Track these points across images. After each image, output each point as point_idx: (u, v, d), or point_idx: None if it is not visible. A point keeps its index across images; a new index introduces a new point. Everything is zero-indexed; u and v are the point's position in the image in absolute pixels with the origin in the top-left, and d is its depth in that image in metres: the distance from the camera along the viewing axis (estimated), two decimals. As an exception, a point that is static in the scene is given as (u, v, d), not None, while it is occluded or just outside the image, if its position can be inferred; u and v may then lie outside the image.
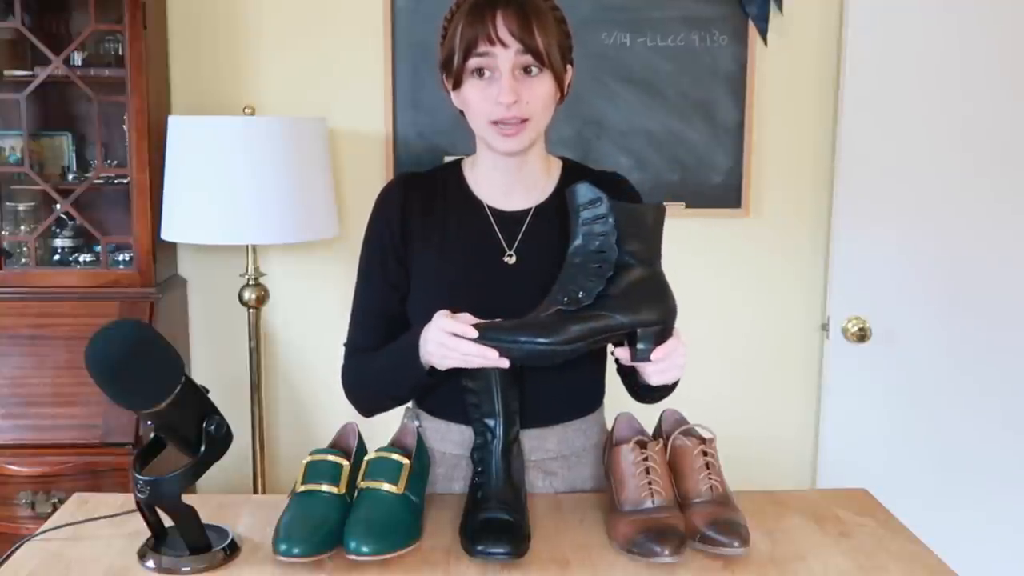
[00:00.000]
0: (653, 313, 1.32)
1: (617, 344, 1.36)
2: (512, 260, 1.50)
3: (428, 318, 1.43)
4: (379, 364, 1.51)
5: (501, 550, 1.27)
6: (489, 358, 1.30)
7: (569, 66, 1.48)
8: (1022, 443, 2.66)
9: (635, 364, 1.36)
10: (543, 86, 1.41)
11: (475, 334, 1.30)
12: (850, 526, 1.44)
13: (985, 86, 2.53)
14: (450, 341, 1.32)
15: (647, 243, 1.35)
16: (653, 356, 1.33)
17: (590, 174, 1.59)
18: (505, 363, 1.30)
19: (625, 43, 2.59)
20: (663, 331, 1.33)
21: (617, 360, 1.41)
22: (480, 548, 1.28)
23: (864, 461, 2.65)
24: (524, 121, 1.41)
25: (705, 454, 1.44)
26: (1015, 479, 2.67)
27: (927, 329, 2.61)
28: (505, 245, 1.50)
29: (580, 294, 1.30)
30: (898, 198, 2.57)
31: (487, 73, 1.40)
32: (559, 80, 1.43)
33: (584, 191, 1.36)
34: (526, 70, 1.40)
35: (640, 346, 1.32)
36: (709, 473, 1.41)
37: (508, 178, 1.52)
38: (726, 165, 2.65)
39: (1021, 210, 2.58)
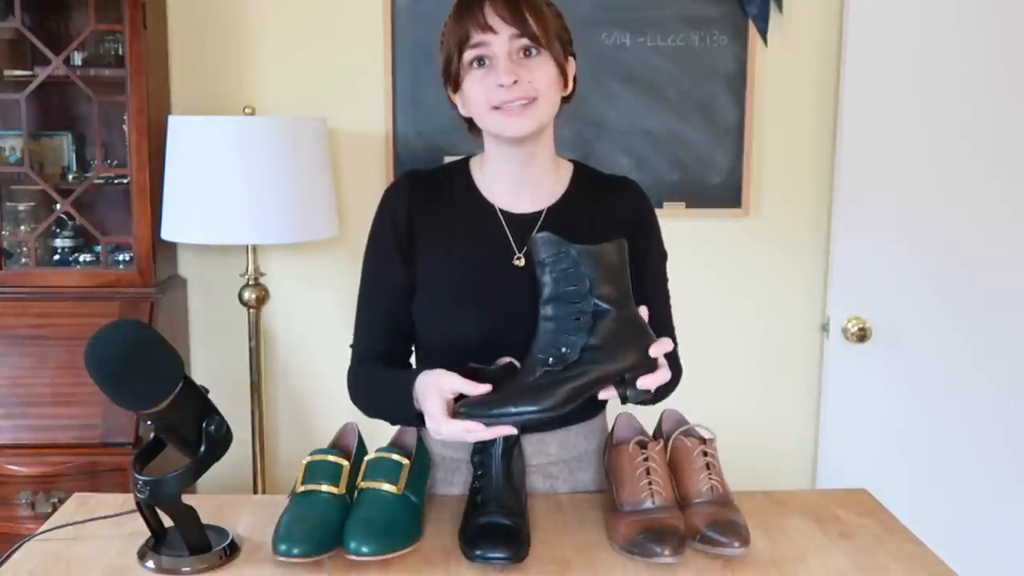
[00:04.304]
0: (638, 356, 1.29)
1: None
2: (522, 263, 1.48)
3: (435, 321, 1.42)
4: (378, 391, 1.49)
5: (500, 555, 1.27)
6: (501, 432, 1.26)
7: (571, 58, 1.47)
8: (1022, 443, 2.66)
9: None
10: (544, 66, 1.39)
11: (486, 389, 1.26)
12: (850, 526, 1.44)
13: (986, 86, 2.53)
14: (456, 429, 1.27)
15: (616, 283, 1.31)
16: (640, 384, 1.28)
17: (600, 178, 1.58)
18: (512, 430, 1.26)
19: (625, 43, 2.59)
20: (646, 370, 1.30)
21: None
22: (479, 553, 1.28)
23: (864, 461, 2.65)
24: (532, 101, 1.39)
25: (705, 454, 1.44)
26: (1015, 479, 2.67)
27: (928, 329, 2.61)
28: (515, 247, 1.50)
29: (564, 350, 1.26)
30: (898, 198, 2.57)
31: (486, 62, 1.39)
32: (560, 65, 1.42)
33: (546, 242, 1.30)
34: (525, 52, 1.38)
35: (629, 393, 1.28)
36: (709, 473, 1.42)
37: (517, 177, 1.50)
38: (726, 165, 2.65)
39: (1022, 210, 2.58)
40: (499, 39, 1.37)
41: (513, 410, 1.23)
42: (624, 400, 1.29)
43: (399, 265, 1.51)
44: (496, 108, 1.40)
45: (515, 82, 1.37)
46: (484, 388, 1.27)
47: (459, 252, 1.49)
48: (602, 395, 1.30)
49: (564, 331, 1.28)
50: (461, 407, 1.26)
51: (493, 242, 1.49)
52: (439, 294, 1.49)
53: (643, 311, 1.35)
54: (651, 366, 1.29)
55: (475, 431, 1.25)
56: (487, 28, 1.36)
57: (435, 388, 1.30)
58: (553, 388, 1.24)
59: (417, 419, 1.36)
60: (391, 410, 1.47)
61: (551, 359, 1.26)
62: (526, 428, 1.46)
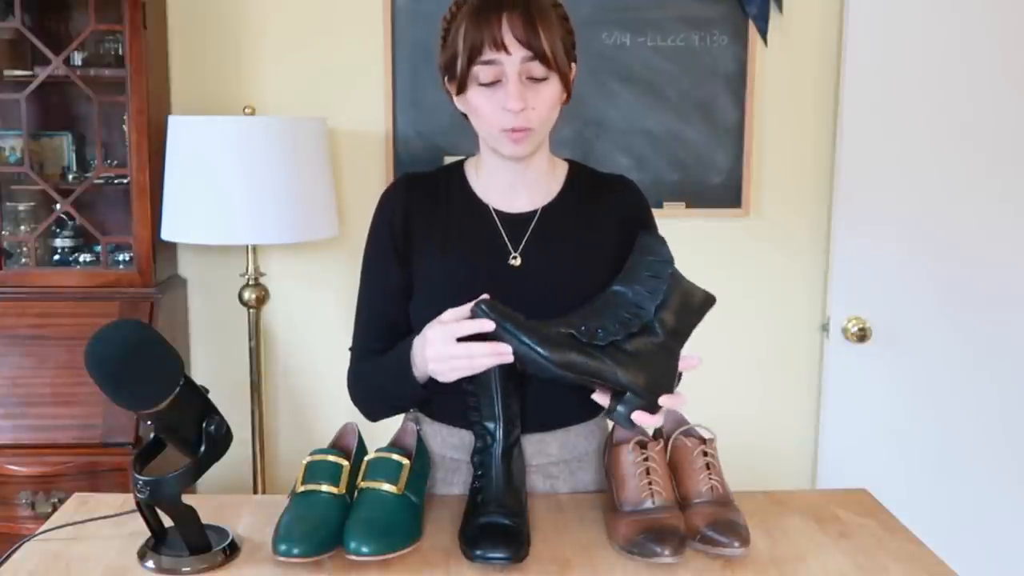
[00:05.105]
0: (651, 387, 1.29)
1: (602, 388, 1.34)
2: (517, 262, 1.49)
3: (432, 320, 1.42)
4: (377, 378, 1.51)
5: (500, 555, 1.27)
6: (501, 353, 1.27)
7: (573, 63, 1.47)
8: (1022, 443, 2.67)
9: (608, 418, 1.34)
10: (550, 90, 1.40)
11: (491, 327, 1.27)
12: (850, 526, 1.44)
13: (986, 86, 2.53)
14: (456, 349, 1.29)
15: (681, 321, 1.34)
16: (635, 416, 1.29)
17: (596, 176, 1.58)
18: (511, 358, 1.27)
19: (625, 43, 2.59)
20: (648, 405, 1.30)
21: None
22: (479, 553, 1.28)
23: (864, 461, 2.65)
24: (531, 128, 1.40)
25: (705, 454, 1.44)
26: (1015, 479, 2.67)
27: (928, 329, 2.61)
28: (510, 247, 1.50)
29: (599, 332, 1.28)
30: (898, 198, 2.57)
31: (494, 80, 1.39)
32: (565, 81, 1.42)
33: (659, 249, 1.35)
34: (535, 75, 1.39)
35: (620, 408, 1.29)
36: (709, 473, 1.42)
37: (513, 179, 1.51)
38: (726, 165, 2.65)
39: (1022, 210, 2.58)
40: (511, 60, 1.36)
41: (523, 337, 1.26)
42: (610, 412, 1.30)
43: (396, 266, 1.52)
44: (503, 130, 1.40)
45: (523, 108, 1.37)
46: (487, 324, 1.28)
47: (455, 253, 1.50)
48: (596, 396, 1.32)
49: (611, 319, 1.30)
50: (480, 302, 1.28)
51: (489, 242, 1.50)
52: (436, 295, 1.49)
53: (692, 362, 1.34)
54: (653, 406, 1.30)
55: (476, 357, 1.28)
56: (501, 47, 1.35)
57: (435, 322, 1.34)
58: (564, 348, 1.26)
59: (419, 385, 1.40)
60: (390, 391, 1.47)
61: (583, 328, 1.28)
62: (525, 427, 1.46)
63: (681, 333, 1.34)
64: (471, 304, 1.30)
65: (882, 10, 2.50)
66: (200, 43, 2.59)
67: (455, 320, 1.31)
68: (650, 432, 1.47)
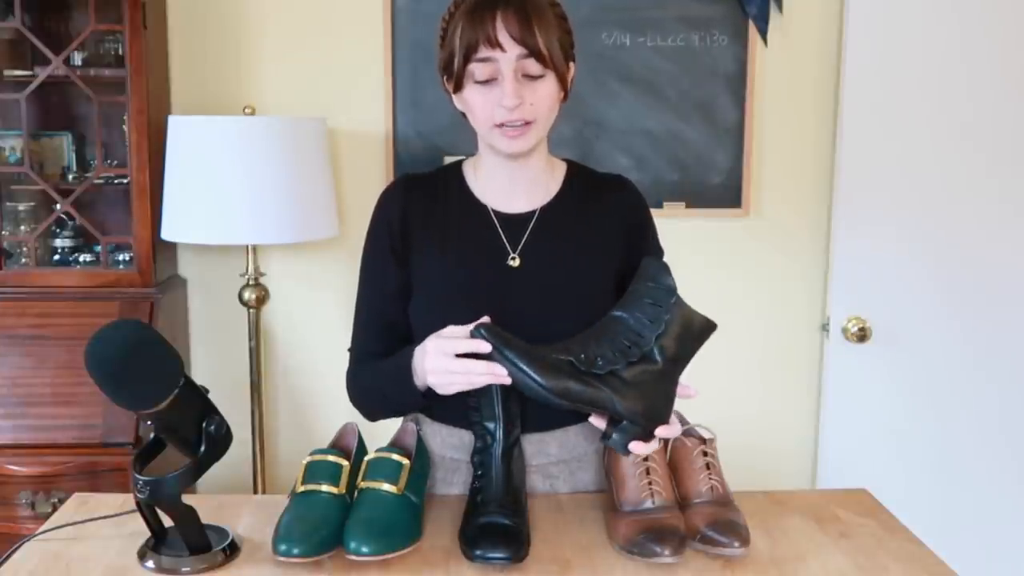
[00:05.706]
0: (648, 416, 1.28)
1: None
2: (516, 263, 1.49)
3: (430, 321, 1.42)
4: (376, 383, 1.51)
5: (500, 555, 1.27)
6: (498, 375, 1.27)
7: (571, 63, 1.47)
8: (1022, 443, 2.67)
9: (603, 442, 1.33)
10: (546, 87, 1.40)
11: (487, 348, 1.27)
12: (850, 526, 1.44)
13: (986, 86, 2.53)
14: (454, 365, 1.29)
15: (682, 348, 1.33)
16: (632, 446, 1.28)
17: (595, 177, 1.58)
18: (509, 380, 1.27)
19: (625, 43, 2.59)
20: (644, 433, 1.30)
21: None
22: (479, 553, 1.28)
23: (864, 461, 2.65)
24: (529, 123, 1.40)
25: (705, 454, 1.44)
26: (1015, 479, 2.67)
27: (928, 329, 2.61)
28: (509, 248, 1.50)
29: (599, 361, 1.27)
30: (898, 198, 2.57)
31: (490, 78, 1.39)
32: (562, 80, 1.42)
33: (663, 277, 1.35)
34: (530, 73, 1.39)
35: (616, 436, 1.28)
36: (709, 473, 1.42)
37: (511, 179, 1.51)
38: (726, 165, 2.65)
39: (1022, 210, 2.58)
40: (507, 57, 1.36)
41: (519, 363, 1.25)
42: (606, 438, 1.30)
43: (394, 267, 1.52)
44: (497, 125, 1.40)
45: (519, 105, 1.37)
46: (483, 344, 1.27)
47: (454, 253, 1.50)
48: (592, 419, 1.32)
49: (611, 347, 1.29)
50: (480, 326, 1.28)
51: (488, 243, 1.50)
52: (434, 295, 1.49)
53: (688, 391, 1.34)
54: (649, 434, 1.29)
55: (472, 371, 1.27)
56: (496, 45, 1.35)
57: (436, 335, 1.34)
58: (560, 375, 1.25)
59: (419, 393, 1.39)
60: (390, 396, 1.47)
61: (583, 356, 1.28)
62: (525, 427, 1.46)
63: (681, 359, 1.33)
64: (471, 325, 1.29)
65: (882, 10, 2.50)
66: (200, 43, 2.59)
67: (454, 336, 1.31)
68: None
